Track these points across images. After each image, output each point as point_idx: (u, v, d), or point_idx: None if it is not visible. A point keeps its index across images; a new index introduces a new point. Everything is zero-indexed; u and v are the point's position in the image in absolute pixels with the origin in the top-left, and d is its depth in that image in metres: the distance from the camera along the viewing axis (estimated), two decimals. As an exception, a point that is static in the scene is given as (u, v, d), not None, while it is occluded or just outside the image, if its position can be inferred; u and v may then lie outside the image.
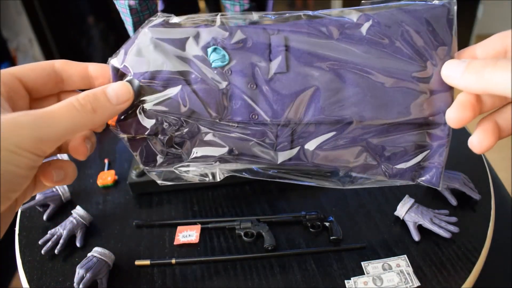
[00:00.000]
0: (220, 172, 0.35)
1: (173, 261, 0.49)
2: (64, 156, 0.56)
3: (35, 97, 0.30)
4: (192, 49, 0.32)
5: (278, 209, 0.56)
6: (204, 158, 0.34)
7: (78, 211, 0.54)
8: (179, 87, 0.31)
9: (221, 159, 0.34)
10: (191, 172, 0.35)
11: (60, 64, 0.30)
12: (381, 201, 0.56)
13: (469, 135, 0.69)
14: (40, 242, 0.52)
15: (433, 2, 0.31)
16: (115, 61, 0.31)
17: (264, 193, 0.59)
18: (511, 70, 0.24)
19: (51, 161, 0.29)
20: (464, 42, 2.14)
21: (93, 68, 0.31)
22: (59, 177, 0.28)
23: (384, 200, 0.56)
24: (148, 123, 0.32)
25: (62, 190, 0.59)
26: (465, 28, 2.11)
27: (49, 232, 0.53)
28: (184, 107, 0.31)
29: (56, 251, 0.51)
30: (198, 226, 0.54)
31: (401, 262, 0.47)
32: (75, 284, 0.46)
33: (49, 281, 0.48)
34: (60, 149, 0.31)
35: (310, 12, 0.32)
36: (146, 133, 0.32)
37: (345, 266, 0.47)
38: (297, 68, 0.31)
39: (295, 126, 0.32)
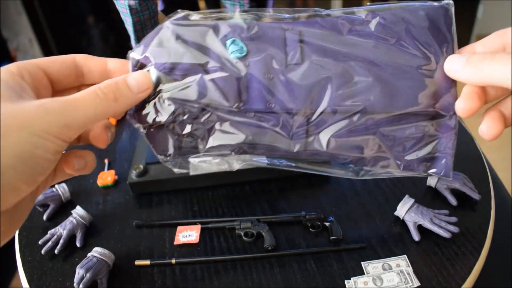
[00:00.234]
0: (236, 163, 0.36)
1: (173, 261, 0.49)
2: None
3: (57, 89, 0.31)
4: (212, 41, 0.33)
5: (278, 209, 0.56)
6: (220, 148, 0.34)
7: (78, 211, 0.54)
8: (198, 76, 0.32)
9: (237, 150, 0.34)
10: (208, 162, 0.36)
11: (81, 58, 0.31)
12: (381, 201, 0.56)
13: (468, 135, 0.69)
14: (40, 242, 0.52)
15: (432, 3, 0.34)
16: (135, 54, 0.33)
17: (264, 193, 0.59)
18: (509, 62, 0.26)
19: (71, 151, 0.30)
20: (464, 42, 2.13)
21: (112, 63, 0.32)
22: (80, 165, 0.30)
23: (384, 200, 0.56)
24: (166, 112, 0.32)
25: (62, 190, 0.59)
26: (465, 28, 2.11)
27: (49, 232, 0.53)
28: (202, 95, 0.32)
29: (56, 251, 0.51)
30: (198, 226, 0.54)
31: (401, 262, 0.47)
32: (75, 284, 0.46)
33: (49, 281, 0.48)
34: (79, 140, 0.32)
35: (320, 10, 0.35)
36: (163, 122, 0.33)
37: (345, 266, 0.47)
38: (311, 60, 0.33)
39: (310, 115, 0.34)
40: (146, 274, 0.48)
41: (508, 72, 0.26)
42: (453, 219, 0.50)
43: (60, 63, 0.30)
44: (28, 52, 1.79)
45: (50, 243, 0.52)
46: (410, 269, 0.46)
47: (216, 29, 0.33)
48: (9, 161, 0.23)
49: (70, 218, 0.54)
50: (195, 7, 0.75)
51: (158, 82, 0.32)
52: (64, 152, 0.28)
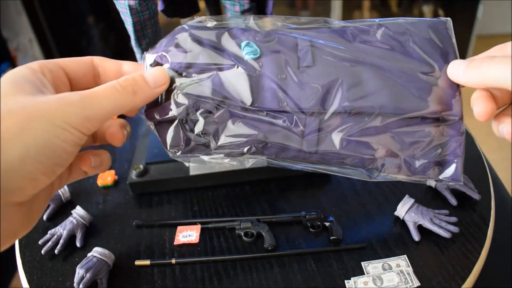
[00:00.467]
0: (247, 160, 0.37)
1: (173, 261, 0.49)
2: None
3: (75, 88, 0.32)
4: (227, 42, 0.34)
5: (278, 209, 0.56)
6: (231, 146, 0.35)
7: (78, 211, 0.54)
8: (214, 73, 0.33)
9: (248, 149, 0.35)
10: (219, 159, 0.36)
11: (98, 59, 0.33)
12: (381, 201, 0.56)
13: (468, 135, 0.69)
14: (40, 242, 0.52)
15: (432, 19, 0.36)
16: (151, 54, 0.34)
17: (264, 193, 0.59)
18: (508, 63, 0.27)
19: (87, 150, 0.31)
20: (464, 42, 2.14)
21: (127, 66, 0.33)
22: (96, 163, 0.30)
23: (384, 200, 0.56)
24: (180, 107, 0.33)
25: (62, 190, 0.59)
26: (465, 28, 2.11)
27: (49, 232, 0.53)
28: (216, 92, 0.33)
29: (56, 251, 0.51)
30: (198, 226, 0.54)
31: (401, 262, 0.47)
32: (75, 284, 0.46)
33: (49, 281, 0.48)
34: (95, 140, 0.32)
35: (329, 20, 0.37)
36: (177, 117, 0.33)
37: (345, 266, 0.47)
38: (322, 63, 0.35)
39: (321, 116, 0.34)
40: (146, 274, 0.48)
41: (507, 73, 0.27)
42: (453, 219, 0.50)
43: (78, 63, 0.31)
44: (28, 52, 1.79)
45: (50, 243, 0.52)
46: (410, 269, 0.46)
47: (231, 32, 0.35)
48: (28, 152, 0.23)
49: (70, 218, 0.54)
50: (195, 7, 0.75)
51: (173, 80, 0.33)
52: (79, 152, 0.29)
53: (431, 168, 0.36)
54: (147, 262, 0.49)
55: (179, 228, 0.54)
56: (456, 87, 0.34)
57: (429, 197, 0.55)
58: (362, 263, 0.47)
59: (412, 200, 0.51)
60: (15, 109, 0.24)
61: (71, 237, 0.53)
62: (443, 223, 0.50)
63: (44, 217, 0.57)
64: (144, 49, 0.65)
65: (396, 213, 0.52)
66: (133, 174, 0.59)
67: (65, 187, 0.60)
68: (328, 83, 0.34)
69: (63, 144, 0.25)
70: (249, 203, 0.58)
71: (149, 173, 0.60)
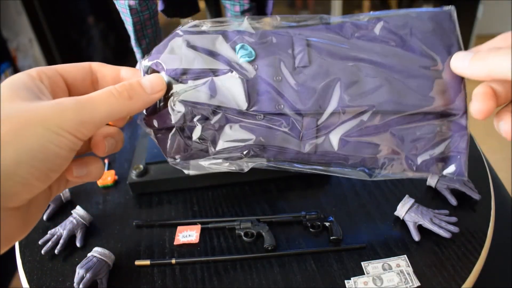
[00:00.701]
0: (246, 164, 0.37)
1: (173, 261, 0.49)
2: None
3: (73, 94, 0.32)
4: (221, 46, 0.34)
5: (278, 209, 0.56)
6: (230, 150, 0.34)
7: (78, 211, 0.54)
8: (209, 78, 0.33)
9: (247, 152, 0.35)
10: (218, 164, 0.36)
11: (96, 65, 0.33)
12: (381, 201, 0.56)
13: (469, 136, 0.69)
14: (40, 242, 0.52)
15: (434, 9, 0.35)
16: (147, 61, 0.33)
17: (264, 193, 0.59)
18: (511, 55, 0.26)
19: (75, 159, 0.30)
20: (464, 42, 2.10)
21: (125, 72, 0.33)
22: (80, 173, 0.30)
23: (384, 200, 0.56)
24: (177, 114, 0.33)
25: (62, 190, 0.59)
26: (465, 28, 2.11)
27: (49, 232, 0.53)
28: (212, 98, 0.33)
29: (56, 251, 0.51)
30: (198, 226, 0.54)
31: (401, 262, 0.47)
32: (75, 284, 0.46)
33: (49, 281, 0.48)
34: (87, 148, 0.32)
35: (325, 16, 0.36)
36: (174, 124, 0.33)
37: (345, 266, 0.47)
38: (318, 62, 0.34)
39: (319, 116, 0.34)
40: (146, 274, 0.48)
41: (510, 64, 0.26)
42: (453, 219, 0.50)
43: (77, 69, 0.32)
44: (28, 52, 1.79)
45: (50, 243, 0.52)
46: (410, 269, 0.46)
47: (225, 35, 0.34)
48: (22, 157, 0.23)
49: (70, 218, 0.54)
50: (195, 7, 0.75)
51: (170, 87, 0.33)
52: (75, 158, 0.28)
53: (434, 164, 0.35)
54: (147, 262, 0.49)
55: (179, 228, 0.54)
56: (460, 80, 0.33)
57: (429, 197, 0.55)
58: (362, 263, 0.47)
59: (412, 200, 0.51)
60: (11, 114, 0.24)
61: (71, 237, 0.53)
62: (443, 223, 0.49)
63: (44, 217, 0.57)
64: (144, 49, 0.65)
65: (396, 213, 0.52)
66: (133, 174, 0.59)
67: (65, 187, 0.60)
68: (325, 82, 0.33)
69: (57, 149, 0.25)
70: (249, 203, 0.58)
71: (149, 173, 0.60)
